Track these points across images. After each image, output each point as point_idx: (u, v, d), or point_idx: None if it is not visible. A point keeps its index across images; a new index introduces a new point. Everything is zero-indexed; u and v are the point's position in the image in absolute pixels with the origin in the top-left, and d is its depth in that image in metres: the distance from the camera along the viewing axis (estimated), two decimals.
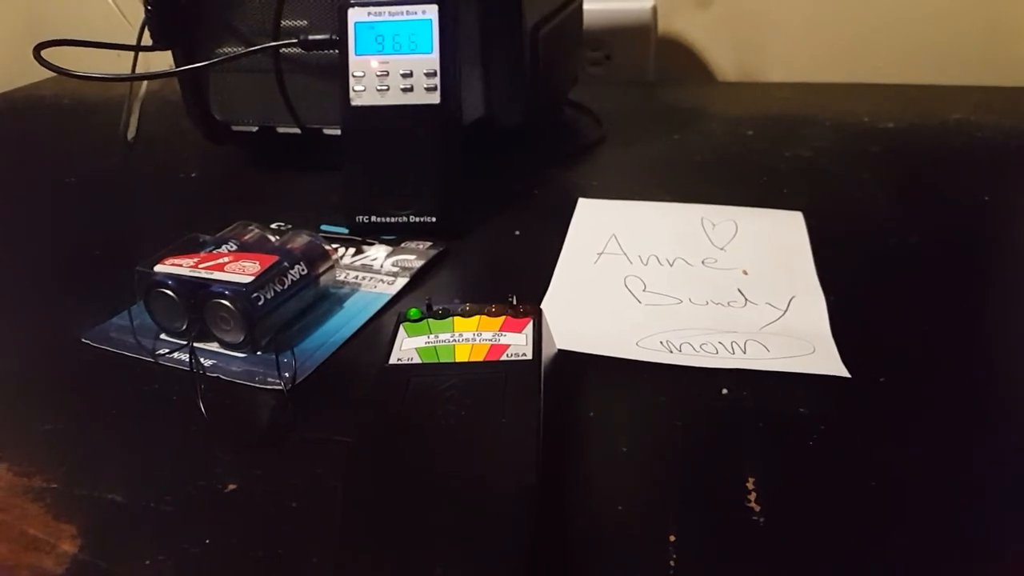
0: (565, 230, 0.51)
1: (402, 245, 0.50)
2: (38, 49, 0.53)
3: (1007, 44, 0.79)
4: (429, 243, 0.50)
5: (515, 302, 0.36)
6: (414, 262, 0.48)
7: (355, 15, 0.50)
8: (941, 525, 0.29)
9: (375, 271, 0.47)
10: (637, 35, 0.85)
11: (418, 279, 0.47)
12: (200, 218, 0.49)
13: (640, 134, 0.69)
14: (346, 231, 0.51)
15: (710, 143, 0.67)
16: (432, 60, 0.49)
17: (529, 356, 0.33)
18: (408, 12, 0.50)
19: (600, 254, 0.48)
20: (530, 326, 0.35)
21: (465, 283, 0.48)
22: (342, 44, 0.50)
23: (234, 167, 0.66)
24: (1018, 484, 0.31)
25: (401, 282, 0.46)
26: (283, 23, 0.57)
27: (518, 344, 0.34)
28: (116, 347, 0.41)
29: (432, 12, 0.49)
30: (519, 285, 0.38)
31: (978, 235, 0.50)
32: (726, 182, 0.58)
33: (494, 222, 0.53)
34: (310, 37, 0.54)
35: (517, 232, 0.52)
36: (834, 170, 0.61)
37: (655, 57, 0.86)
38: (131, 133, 0.66)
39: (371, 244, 0.50)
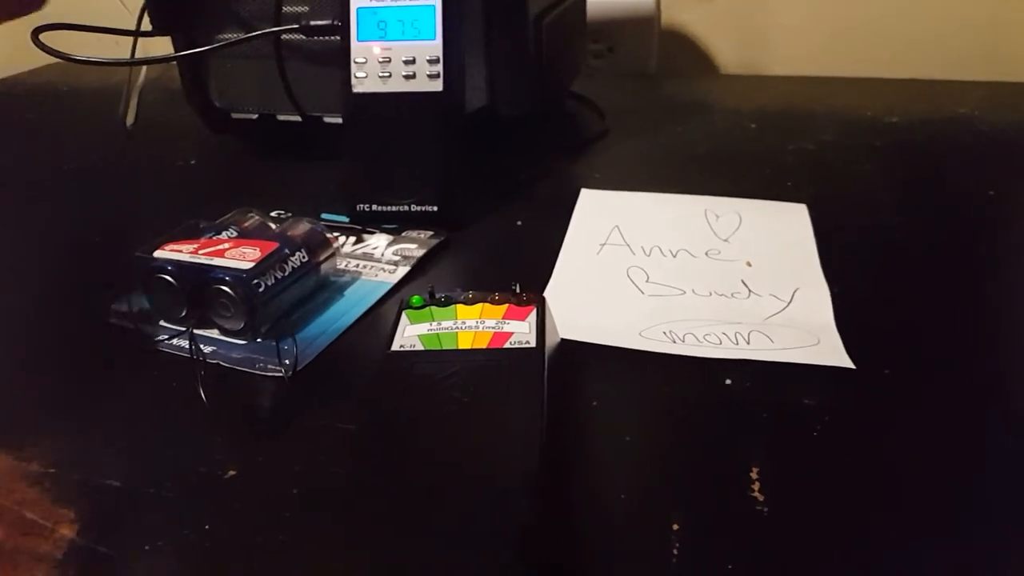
0: (567, 221, 0.51)
1: (403, 234, 0.49)
2: (36, 33, 0.53)
3: (1012, 40, 0.79)
4: (430, 232, 0.49)
5: (518, 290, 0.36)
6: (415, 251, 0.47)
7: (357, 0, 0.50)
8: (944, 517, 0.29)
9: (376, 260, 0.47)
10: (640, 27, 0.84)
11: (419, 268, 0.46)
12: (199, 206, 0.48)
13: (643, 127, 0.69)
14: (347, 219, 0.51)
15: (713, 136, 0.66)
16: (435, 47, 0.49)
17: (532, 344, 0.33)
18: None
19: (603, 245, 0.48)
20: (533, 314, 0.34)
21: (466, 272, 0.48)
22: (344, 30, 0.50)
23: (234, 155, 0.65)
24: (1021, 478, 0.31)
25: (402, 271, 0.46)
26: (284, 9, 0.56)
27: (521, 332, 0.33)
28: (116, 334, 0.41)
29: None
30: (521, 275, 0.38)
31: (983, 229, 0.50)
32: (729, 175, 0.58)
33: (496, 212, 0.53)
34: (311, 23, 0.54)
35: (519, 222, 0.52)
36: (838, 163, 0.60)
37: (658, 49, 0.85)
38: (130, 120, 0.65)
39: (372, 233, 0.50)
